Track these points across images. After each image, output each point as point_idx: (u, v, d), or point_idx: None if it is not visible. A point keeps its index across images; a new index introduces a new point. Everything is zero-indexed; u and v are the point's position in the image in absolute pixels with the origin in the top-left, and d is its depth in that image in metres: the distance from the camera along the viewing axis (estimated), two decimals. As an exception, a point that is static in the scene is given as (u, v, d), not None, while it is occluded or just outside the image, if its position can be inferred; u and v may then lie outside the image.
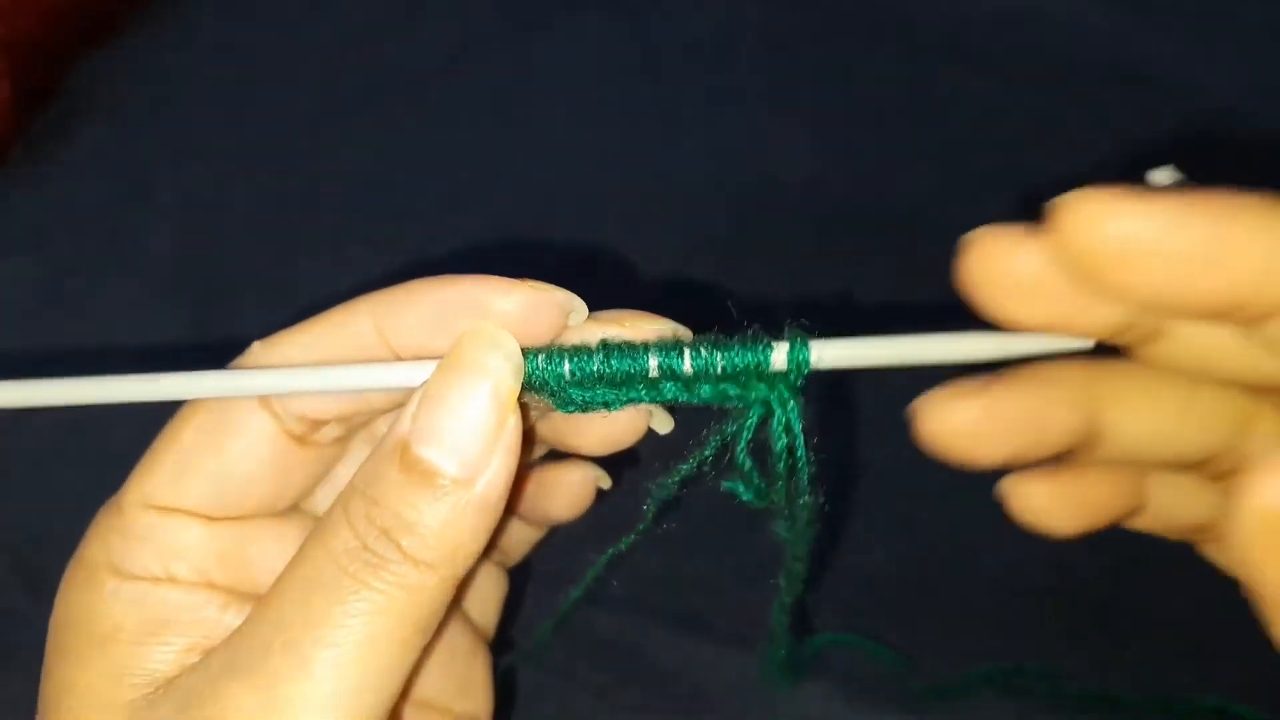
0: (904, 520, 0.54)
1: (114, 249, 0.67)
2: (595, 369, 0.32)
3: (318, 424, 0.35)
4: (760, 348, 0.31)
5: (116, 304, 0.64)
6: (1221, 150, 0.67)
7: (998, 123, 0.70)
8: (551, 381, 0.32)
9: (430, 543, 0.30)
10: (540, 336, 0.33)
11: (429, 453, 0.30)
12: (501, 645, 0.44)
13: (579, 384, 0.32)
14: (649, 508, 0.35)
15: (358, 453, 0.38)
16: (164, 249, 0.67)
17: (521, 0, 0.79)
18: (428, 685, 0.38)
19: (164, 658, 0.33)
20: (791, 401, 0.32)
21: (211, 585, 0.35)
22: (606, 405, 0.33)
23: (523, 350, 0.32)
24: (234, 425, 0.34)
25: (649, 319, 0.34)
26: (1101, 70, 0.71)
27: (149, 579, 0.34)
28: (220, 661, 0.31)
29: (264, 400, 0.34)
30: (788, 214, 0.67)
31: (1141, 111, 0.69)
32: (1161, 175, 0.29)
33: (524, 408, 0.32)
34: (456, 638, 0.40)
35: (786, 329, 0.32)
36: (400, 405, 0.32)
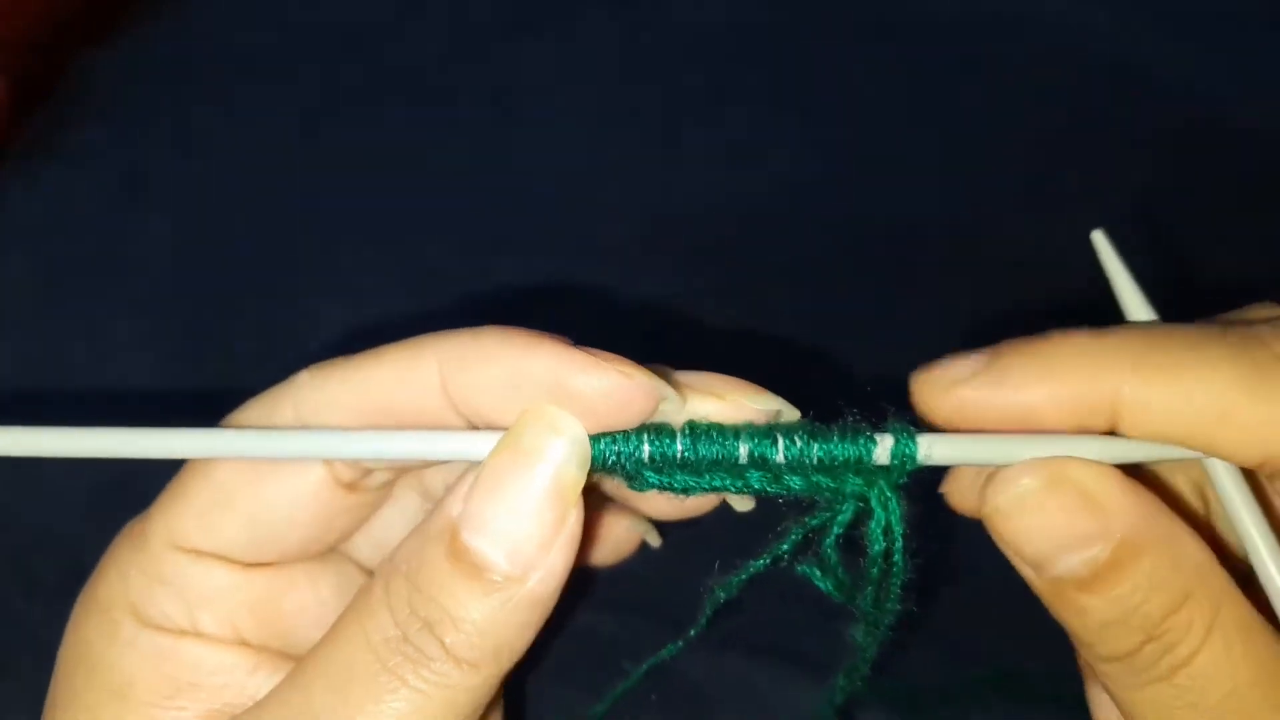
0: (917, 527, 0.54)
1: (112, 247, 0.67)
2: (678, 454, 0.29)
3: (368, 470, 0.33)
4: (863, 440, 0.29)
5: (114, 303, 0.64)
6: (1222, 150, 0.67)
7: (998, 123, 0.70)
8: (629, 466, 0.29)
9: (474, 640, 0.28)
10: (623, 422, 0.29)
11: (479, 543, 0.28)
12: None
13: (658, 468, 0.29)
14: (707, 608, 0.33)
15: (403, 500, 0.36)
16: (162, 247, 0.67)
17: (522, 1, 0.79)
18: None
19: None
20: (893, 501, 0.29)
21: (239, 642, 0.32)
22: (685, 491, 0.30)
23: (598, 435, 0.29)
24: (278, 466, 0.32)
25: (751, 392, 0.31)
26: (1102, 70, 0.71)
27: (173, 631, 0.31)
28: None
29: None
30: (788, 216, 0.66)
31: (1142, 111, 0.69)
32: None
33: (592, 488, 0.30)
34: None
35: (889, 419, 0.29)
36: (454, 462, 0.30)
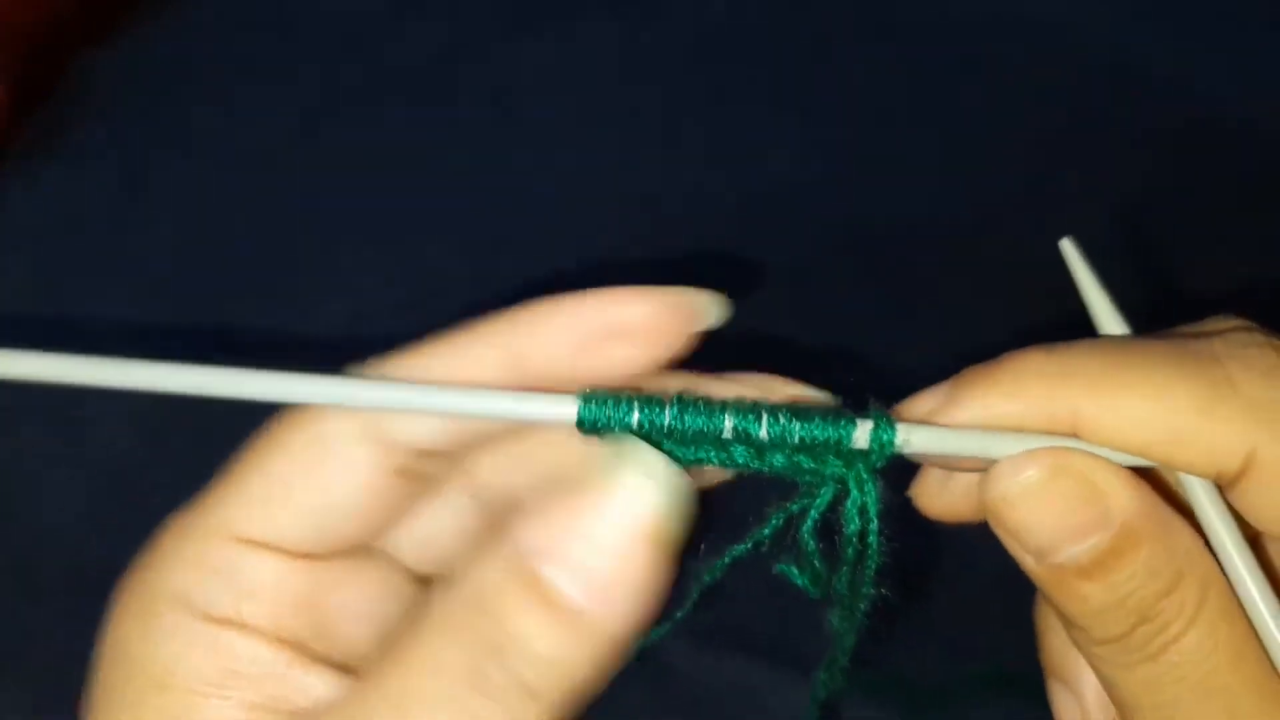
0: (899, 519, 0.54)
1: (111, 247, 0.67)
2: (666, 423, 0.30)
3: (425, 456, 0.33)
4: (843, 422, 0.30)
5: (114, 303, 0.64)
6: (1221, 150, 0.67)
7: (998, 123, 0.70)
8: (617, 430, 0.30)
9: (543, 673, 0.27)
10: (674, 345, 0.31)
11: (557, 576, 0.27)
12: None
13: (645, 436, 0.30)
14: (694, 592, 0.33)
15: (450, 498, 0.35)
16: (162, 248, 0.67)
17: (522, 1, 0.79)
18: None
19: (223, 713, 0.30)
20: (869, 483, 0.30)
21: (281, 635, 0.32)
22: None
23: (588, 393, 0.30)
24: (335, 453, 0.31)
25: (788, 385, 0.32)
26: (1102, 70, 0.71)
27: (217, 620, 0.31)
28: None
29: (374, 426, 0.32)
30: (788, 216, 0.66)
31: (1141, 111, 0.69)
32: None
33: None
34: None
35: (871, 405, 0.30)
36: (500, 436, 0.31)
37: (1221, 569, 0.30)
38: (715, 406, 0.30)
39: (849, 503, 0.30)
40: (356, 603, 0.33)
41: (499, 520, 0.36)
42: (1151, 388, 0.29)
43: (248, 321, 0.62)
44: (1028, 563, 0.30)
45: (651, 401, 0.30)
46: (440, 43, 0.76)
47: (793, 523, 0.31)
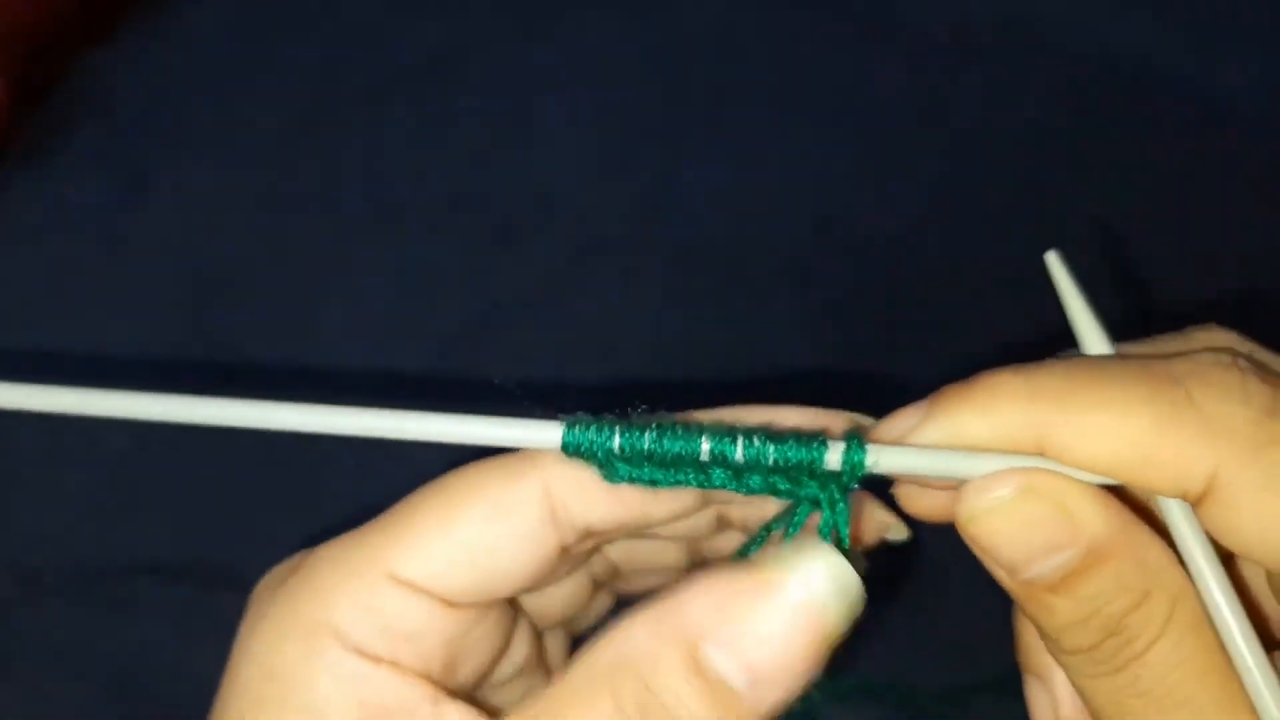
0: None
1: (112, 247, 0.67)
2: (645, 447, 0.31)
3: (589, 536, 0.34)
4: (815, 445, 0.31)
5: (114, 302, 0.64)
6: (1223, 150, 0.67)
7: (998, 123, 0.70)
8: (600, 454, 0.31)
9: None
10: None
11: (719, 658, 0.28)
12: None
13: (627, 460, 0.31)
14: None
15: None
16: (162, 248, 0.67)
17: (522, 1, 0.79)
18: None
19: None
20: (841, 504, 0.31)
21: (428, 675, 0.33)
22: (654, 484, 0.32)
23: (571, 419, 0.31)
24: (515, 522, 0.33)
25: (808, 413, 0.34)
26: (1102, 70, 0.71)
27: (373, 658, 0.32)
28: None
29: (551, 505, 0.33)
30: (788, 216, 0.66)
31: (1142, 111, 0.69)
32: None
33: None
34: None
35: (846, 428, 0.31)
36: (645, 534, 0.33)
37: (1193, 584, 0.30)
38: (693, 430, 0.31)
39: (821, 522, 0.31)
40: (484, 641, 0.34)
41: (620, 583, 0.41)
42: (1115, 408, 0.29)
43: (246, 321, 0.62)
44: (1001, 576, 0.31)
45: (632, 427, 0.31)
46: (441, 43, 0.76)
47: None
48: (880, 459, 0.31)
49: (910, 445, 0.31)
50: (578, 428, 0.31)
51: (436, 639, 0.33)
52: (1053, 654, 0.32)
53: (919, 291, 0.63)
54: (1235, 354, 0.31)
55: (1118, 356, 0.32)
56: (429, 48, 0.76)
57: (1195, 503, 0.30)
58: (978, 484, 0.30)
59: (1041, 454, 0.30)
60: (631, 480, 0.31)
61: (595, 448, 0.31)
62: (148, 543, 0.55)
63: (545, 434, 0.31)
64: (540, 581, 0.35)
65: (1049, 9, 0.75)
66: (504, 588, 0.34)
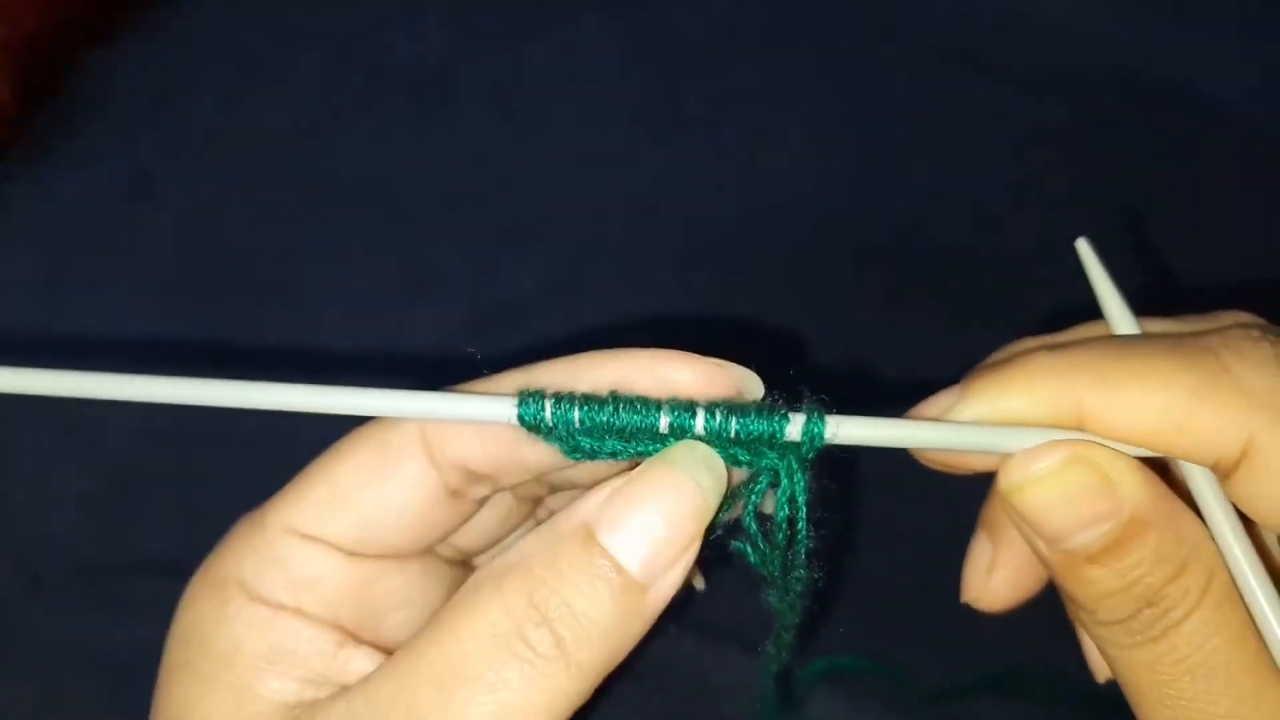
0: (901, 521, 0.54)
1: (113, 248, 0.67)
2: (605, 420, 0.31)
3: (474, 478, 0.35)
4: (777, 418, 0.31)
5: (116, 303, 0.64)
6: (1222, 150, 0.67)
7: (997, 123, 0.70)
8: (560, 427, 0.31)
9: (594, 639, 0.29)
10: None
11: (616, 544, 0.29)
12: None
13: (588, 432, 0.31)
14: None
15: (495, 500, 0.38)
16: (163, 248, 0.67)
17: (522, 1, 0.79)
18: None
19: (282, 686, 0.33)
20: (799, 474, 0.32)
21: (333, 621, 0.35)
22: (614, 455, 0.32)
23: (530, 392, 0.31)
24: (395, 468, 0.34)
25: (698, 363, 0.33)
26: (1102, 70, 0.71)
27: (277, 606, 0.34)
28: None
29: (429, 449, 0.34)
30: (788, 216, 0.66)
31: (1143, 112, 0.69)
32: None
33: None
34: None
35: (805, 400, 0.32)
36: (538, 478, 0.33)
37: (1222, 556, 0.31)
38: (652, 404, 0.31)
39: (779, 491, 0.32)
40: (399, 591, 0.35)
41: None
42: (1152, 380, 0.30)
43: (248, 319, 0.62)
44: (1040, 548, 0.32)
45: (591, 401, 0.31)
46: (440, 43, 0.76)
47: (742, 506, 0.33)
48: (839, 430, 0.31)
49: (948, 421, 0.32)
50: (530, 401, 0.31)
51: (343, 588, 0.34)
52: (1085, 626, 0.33)
53: (919, 291, 0.63)
54: (1264, 329, 0.32)
55: (1147, 335, 0.33)
56: (428, 48, 0.76)
57: (1228, 471, 0.30)
58: (1023, 455, 0.31)
59: (1080, 428, 0.31)
60: (592, 454, 0.32)
61: (556, 421, 0.31)
62: (148, 543, 0.55)
63: (500, 409, 0.31)
64: (440, 527, 0.36)
65: (1049, 9, 0.75)
66: (399, 535, 0.35)
